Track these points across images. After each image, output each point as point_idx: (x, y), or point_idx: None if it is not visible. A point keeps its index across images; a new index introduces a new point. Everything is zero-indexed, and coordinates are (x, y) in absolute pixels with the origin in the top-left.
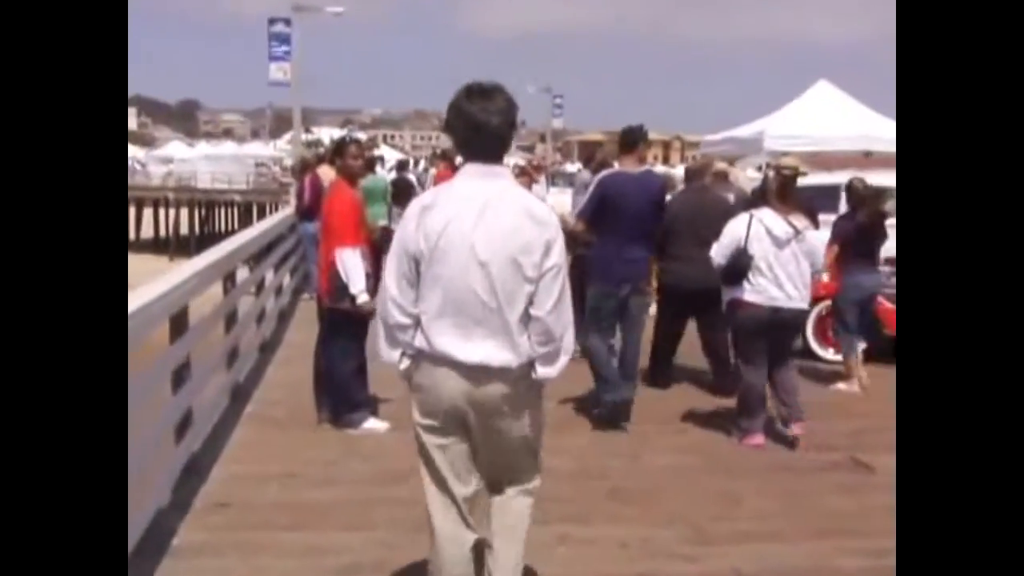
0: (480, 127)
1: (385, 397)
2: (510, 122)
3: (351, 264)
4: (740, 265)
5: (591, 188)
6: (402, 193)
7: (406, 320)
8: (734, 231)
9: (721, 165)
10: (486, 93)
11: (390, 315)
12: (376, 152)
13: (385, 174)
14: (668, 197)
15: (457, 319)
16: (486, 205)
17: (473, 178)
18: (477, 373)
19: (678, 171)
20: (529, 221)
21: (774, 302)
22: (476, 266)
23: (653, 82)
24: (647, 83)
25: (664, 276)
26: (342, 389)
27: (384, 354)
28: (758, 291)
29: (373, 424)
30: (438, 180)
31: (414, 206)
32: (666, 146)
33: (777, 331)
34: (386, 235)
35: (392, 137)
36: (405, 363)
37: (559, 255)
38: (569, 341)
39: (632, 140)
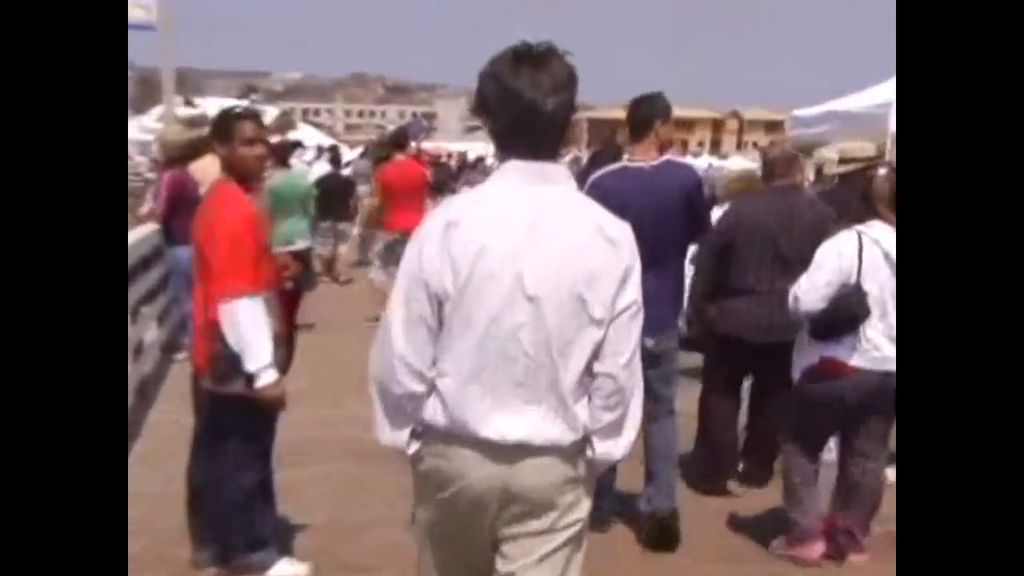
0: (531, 110)
1: (302, 522)
2: (570, 102)
3: (246, 323)
4: (850, 313)
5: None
6: (335, 198)
7: (420, 388)
8: (839, 259)
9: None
10: (538, 60)
11: (398, 383)
12: (291, 135)
13: (306, 168)
14: (717, 204)
15: (490, 381)
16: (539, 220)
17: (517, 181)
18: (513, 455)
19: (732, 163)
20: (600, 241)
21: (886, 364)
22: (523, 305)
23: (696, 35)
24: (688, 37)
25: (720, 322)
26: (232, 517)
27: (385, 436)
28: (867, 349)
29: (284, 569)
30: (385, 178)
31: (434, 221)
32: (716, 126)
33: (875, 408)
34: (306, 267)
35: (316, 112)
36: (415, 446)
37: (637, 288)
38: (638, 408)
39: (644, 118)
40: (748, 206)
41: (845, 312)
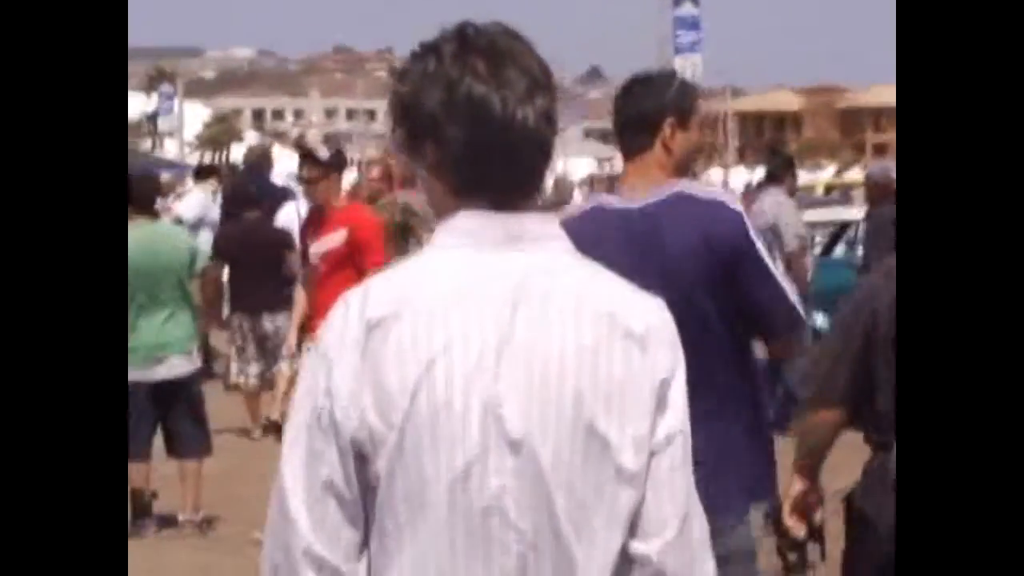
0: (504, 126)
1: None
2: (550, 113)
3: None
4: None
5: None
6: (256, 267)
7: None
8: None
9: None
10: (500, 54)
11: None
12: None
13: (176, 227)
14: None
15: (463, 571)
16: (516, 309)
17: (479, 247)
18: None
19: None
20: (617, 338)
21: None
22: (504, 454)
23: None
24: None
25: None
26: None
27: None
28: None
29: None
30: (330, 221)
31: (346, 323)
32: (875, 123)
33: None
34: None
35: (278, 114)
36: None
37: (683, 409)
38: None
39: (642, 115)
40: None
41: None
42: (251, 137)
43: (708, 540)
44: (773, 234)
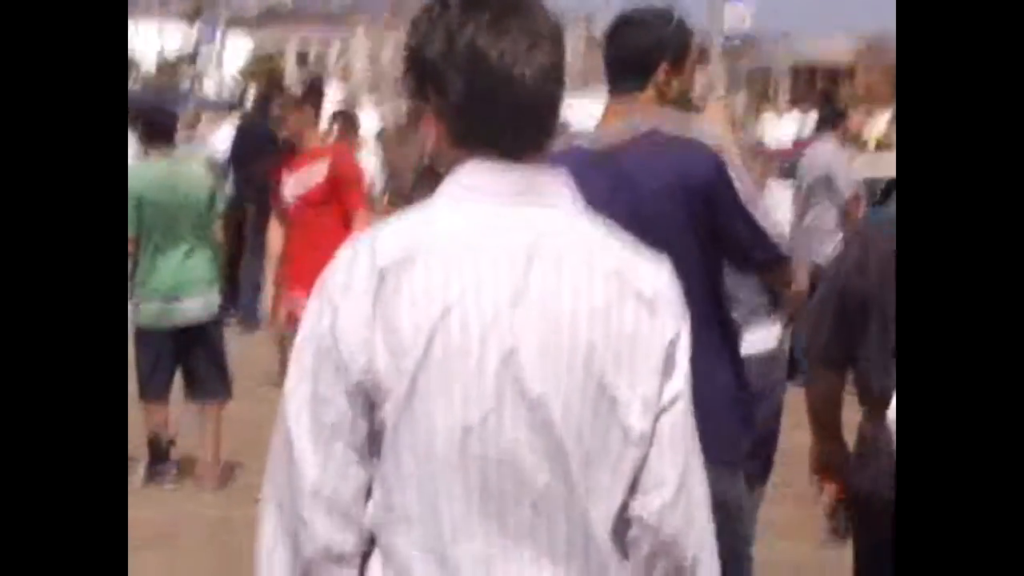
0: (495, 80)
1: None
2: (561, 69)
3: None
4: None
5: None
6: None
7: (347, 545)
8: None
9: None
10: (505, 7)
11: (311, 534)
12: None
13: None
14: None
15: (476, 535)
16: (530, 266)
17: (490, 199)
18: None
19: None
20: (628, 299)
21: None
22: (520, 407)
23: None
24: None
25: (857, 473)
26: None
27: None
28: None
29: None
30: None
31: (355, 268)
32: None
33: None
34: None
35: (321, 55)
36: None
37: (686, 372)
38: (713, 570)
39: (636, 54)
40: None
41: None
42: (294, 74)
43: (708, 503)
44: (827, 183)
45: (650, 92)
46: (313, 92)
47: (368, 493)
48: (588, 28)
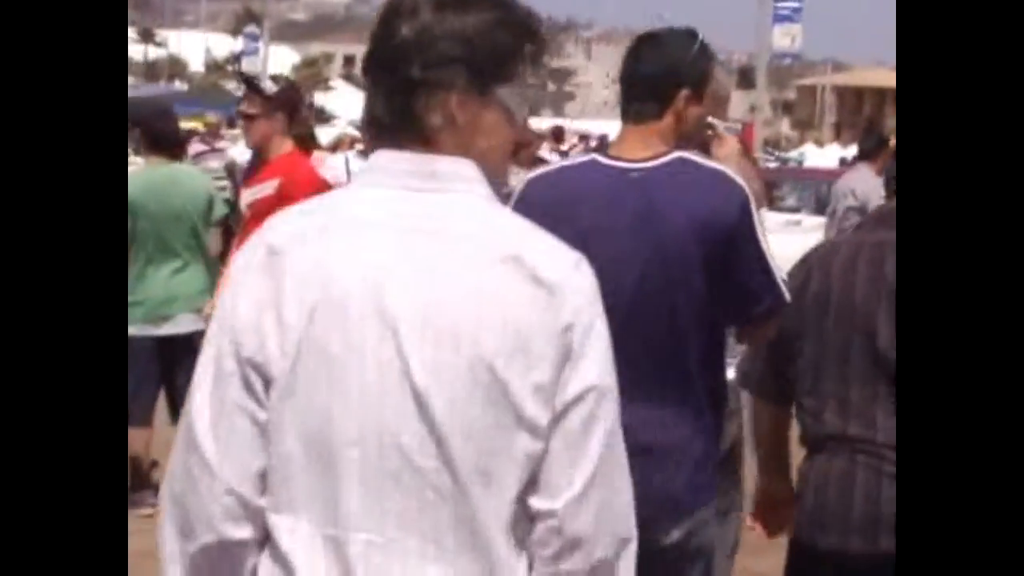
0: (388, 73)
1: None
2: (442, 69)
3: None
4: None
5: None
6: None
7: (242, 531)
8: None
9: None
10: (443, 6)
11: (206, 520)
12: (320, 97)
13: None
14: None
15: (361, 513)
16: (418, 248)
17: (387, 185)
18: None
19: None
20: (523, 283)
21: None
22: (404, 389)
23: None
24: None
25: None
26: None
27: None
28: None
29: None
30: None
31: (252, 250)
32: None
33: None
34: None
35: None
36: None
37: (602, 364)
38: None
39: (655, 79)
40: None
41: None
42: (338, 84)
43: (625, 511)
44: (860, 210)
45: (668, 119)
46: (286, 97)
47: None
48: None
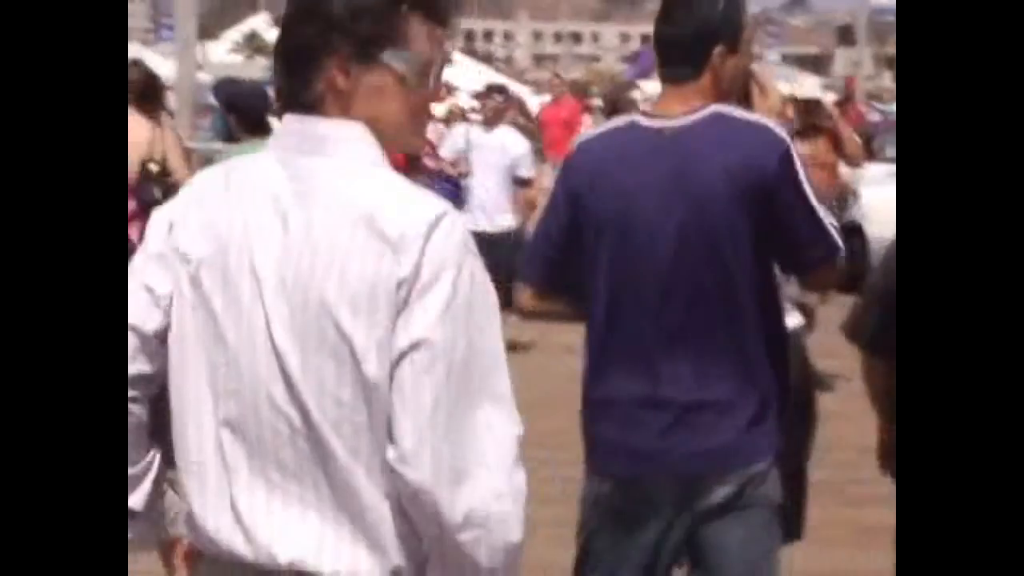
0: (281, 39)
1: None
2: (314, 33)
3: None
4: None
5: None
6: None
7: (145, 368)
8: None
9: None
10: None
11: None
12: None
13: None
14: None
15: (242, 467)
16: (289, 212)
17: (281, 146)
18: None
19: None
20: (366, 238)
21: None
22: (263, 345)
23: None
24: None
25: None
26: None
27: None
28: None
29: None
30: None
31: (156, 222)
32: None
33: None
34: None
35: (487, 35)
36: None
37: (440, 319)
38: (502, 530)
39: (689, 36)
40: None
41: None
42: (458, 57)
43: (474, 470)
44: None
45: (706, 79)
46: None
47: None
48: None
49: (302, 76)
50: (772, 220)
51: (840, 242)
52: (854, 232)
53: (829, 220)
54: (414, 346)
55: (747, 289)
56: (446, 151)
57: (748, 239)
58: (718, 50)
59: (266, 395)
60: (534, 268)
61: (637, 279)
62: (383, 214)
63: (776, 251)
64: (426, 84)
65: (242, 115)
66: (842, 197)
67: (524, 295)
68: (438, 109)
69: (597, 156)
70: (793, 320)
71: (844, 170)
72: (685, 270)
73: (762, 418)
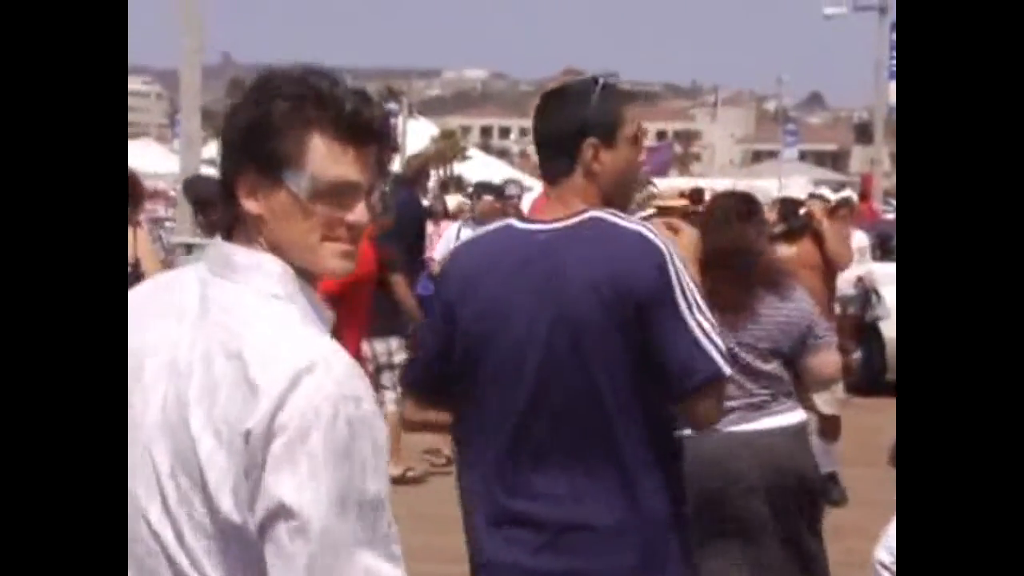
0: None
1: None
2: (225, 165)
3: None
4: None
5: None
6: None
7: None
8: None
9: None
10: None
11: None
12: (459, 167)
13: None
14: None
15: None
16: (183, 334)
17: (210, 268)
18: None
19: None
20: (235, 374)
21: None
22: (149, 480)
23: None
24: None
25: None
26: None
27: None
28: None
29: None
30: None
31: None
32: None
33: None
34: None
35: (505, 132)
36: None
37: (311, 478)
38: None
39: (566, 132)
40: None
41: None
42: (475, 153)
43: None
44: None
45: (579, 175)
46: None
47: None
48: (758, 106)
49: (224, 196)
50: (644, 336)
51: (724, 366)
52: (872, 333)
53: (711, 340)
54: (286, 510)
55: (624, 402)
56: (439, 249)
57: (620, 351)
58: (590, 142)
59: (150, 534)
60: (416, 379)
61: (505, 392)
62: (252, 355)
63: (654, 371)
64: (338, 205)
65: (213, 212)
66: (865, 297)
67: (407, 406)
68: (450, 202)
69: (469, 264)
70: (797, 416)
71: (866, 268)
72: (553, 383)
73: (638, 542)
